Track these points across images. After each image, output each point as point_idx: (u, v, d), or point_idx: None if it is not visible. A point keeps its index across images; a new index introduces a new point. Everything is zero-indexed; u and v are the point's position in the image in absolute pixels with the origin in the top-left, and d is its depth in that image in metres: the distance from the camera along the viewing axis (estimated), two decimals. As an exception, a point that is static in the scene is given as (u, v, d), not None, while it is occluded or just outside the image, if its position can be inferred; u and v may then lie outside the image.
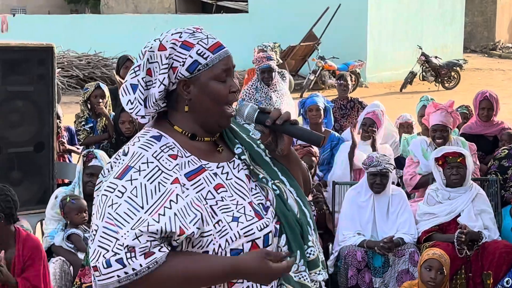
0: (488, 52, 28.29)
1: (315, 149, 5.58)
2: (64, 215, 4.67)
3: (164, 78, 2.00)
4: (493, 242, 4.98)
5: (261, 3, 20.36)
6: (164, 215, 1.85)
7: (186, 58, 2.00)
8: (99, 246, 1.83)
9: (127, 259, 1.80)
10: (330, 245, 5.30)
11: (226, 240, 1.93)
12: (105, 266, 1.81)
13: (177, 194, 1.90)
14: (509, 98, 15.41)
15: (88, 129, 6.38)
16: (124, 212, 1.85)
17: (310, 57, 18.10)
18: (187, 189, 1.94)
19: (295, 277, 2.02)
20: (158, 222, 1.84)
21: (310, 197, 5.29)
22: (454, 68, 18.31)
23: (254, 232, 1.97)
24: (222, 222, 1.93)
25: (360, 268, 4.94)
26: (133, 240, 1.81)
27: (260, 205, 2.03)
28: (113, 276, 1.81)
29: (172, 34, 2.03)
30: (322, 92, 13.59)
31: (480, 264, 4.90)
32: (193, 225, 1.88)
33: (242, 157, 2.08)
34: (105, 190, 1.91)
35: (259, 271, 1.82)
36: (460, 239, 4.83)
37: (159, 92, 2.01)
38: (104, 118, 6.30)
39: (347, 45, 18.23)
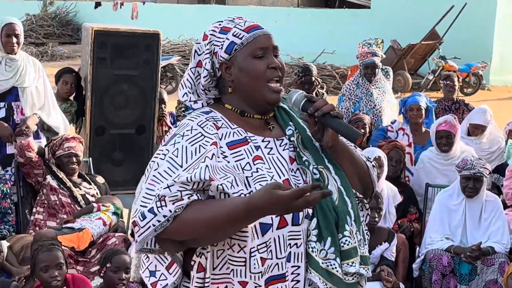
0: None
1: (401, 143, 5.47)
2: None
3: (207, 63, 2.09)
4: None
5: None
6: (197, 168, 1.92)
7: (224, 41, 2.08)
8: (140, 205, 1.91)
9: (157, 208, 1.87)
10: (417, 247, 5.17)
11: None
12: (141, 218, 1.88)
13: (213, 153, 1.96)
14: None
15: (187, 115, 6.54)
16: (164, 171, 1.94)
17: (431, 57, 17.62)
18: (226, 156, 2.00)
19: (322, 263, 1.98)
20: (191, 173, 1.91)
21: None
22: None
23: None
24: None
25: (446, 273, 4.79)
26: (164, 189, 1.89)
27: (297, 186, 2.03)
28: (149, 227, 1.87)
29: (214, 24, 2.13)
30: (440, 92, 13.20)
31: None
32: (223, 180, 1.93)
33: (292, 138, 2.10)
34: (153, 157, 2.02)
35: (270, 201, 1.78)
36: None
37: (204, 77, 2.10)
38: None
39: (471, 45, 17.57)
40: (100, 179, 5.35)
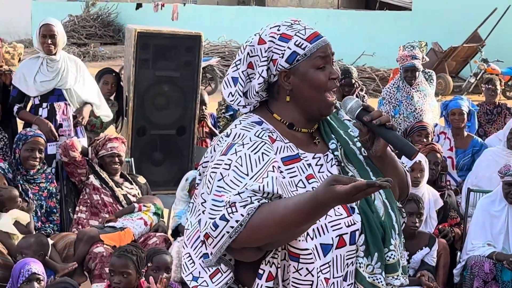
0: None
1: (437, 145, 5.41)
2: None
3: (263, 70, 2.07)
4: None
5: (425, 1, 19.82)
6: (267, 177, 1.91)
7: (285, 50, 2.06)
8: (209, 217, 1.91)
9: (228, 214, 1.86)
10: (458, 253, 5.11)
11: (313, 231, 1.95)
12: (214, 228, 1.88)
13: (273, 166, 1.96)
14: None
15: (228, 116, 6.58)
16: (231, 180, 1.93)
17: (472, 59, 17.40)
18: (282, 172, 2.00)
19: (368, 278, 2.01)
20: (261, 182, 1.90)
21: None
22: None
23: (342, 227, 1.98)
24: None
25: (487, 280, 4.72)
26: (234, 195, 1.88)
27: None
28: (223, 235, 1.87)
29: (270, 28, 2.10)
30: (482, 96, 13.03)
31: None
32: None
33: (335, 153, 2.11)
34: (212, 168, 1.99)
35: (331, 197, 1.76)
36: None
37: (259, 84, 2.08)
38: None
39: (515, 48, 17.32)
40: (141, 179, 5.41)
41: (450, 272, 4.99)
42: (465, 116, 6.25)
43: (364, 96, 7.41)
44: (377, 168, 2.13)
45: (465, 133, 6.31)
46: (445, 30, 17.83)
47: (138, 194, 5.22)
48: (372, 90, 16.12)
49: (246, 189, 1.89)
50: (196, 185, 2.18)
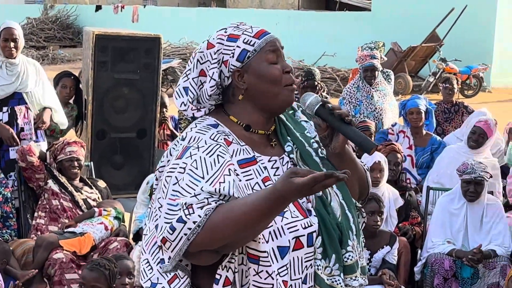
0: None
1: (397, 145, 5.47)
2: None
3: (214, 73, 2.06)
4: None
5: (385, 2, 20.05)
6: (224, 182, 1.90)
7: (234, 49, 2.05)
8: (165, 222, 1.89)
9: (185, 215, 1.84)
10: (419, 251, 5.17)
11: (270, 233, 1.95)
12: (171, 231, 1.86)
13: (229, 169, 1.95)
14: None
15: (190, 118, 6.53)
16: (186, 184, 1.91)
17: (431, 59, 17.64)
18: (238, 174, 1.99)
19: (327, 280, 2.00)
20: (218, 186, 1.89)
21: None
22: None
23: (298, 229, 1.97)
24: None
25: (447, 277, 4.79)
26: (191, 197, 1.87)
27: (303, 203, 2.03)
28: (181, 238, 1.85)
29: (217, 32, 2.10)
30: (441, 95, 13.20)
31: None
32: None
33: (291, 156, 2.10)
34: (168, 172, 1.98)
35: (290, 190, 1.78)
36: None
37: (211, 87, 2.06)
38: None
39: (472, 47, 17.61)
40: (101, 183, 5.34)
41: (411, 270, 5.04)
42: (423, 115, 6.32)
43: (326, 97, 7.45)
44: (335, 168, 2.12)
45: (424, 132, 6.39)
46: (404, 30, 18.05)
47: (98, 198, 5.16)
48: (334, 90, 16.23)
49: (202, 191, 1.88)
50: (154, 190, 2.16)
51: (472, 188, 4.94)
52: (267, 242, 1.94)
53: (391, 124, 6.62)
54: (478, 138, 5.77)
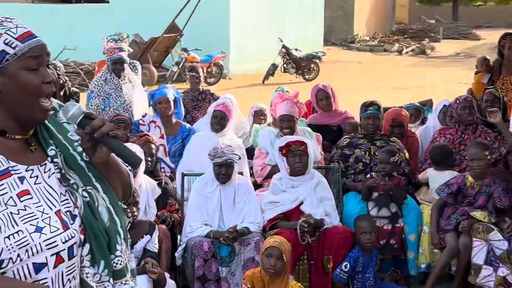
0: (347, 45, 29.35)
1: (151, 136, 5.57)
2: None
3: None
4: (333, 228, 5.17)
5: (122, -6, 20.02)
6: None
7: None
8: None
9: None
10: (179, 236, 5.30)
11: (27, 251, 1.84)
12: None
13: None
14: (363, 90, 16.09)
15: None
16: None
17: (173, 49, 18.02)
18: None
19: (96, 287, 1.98)
20: None
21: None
22: (314, 60, 18.86)
23: (58, 245, 1.90)
24: (23, 233, 1.84)
25: (207, 258, 4.96)
26: None
27: (68, 213, 1.96)
28: None
29: None
30: (186, 84, 13.56)
31: (321, 250, 5.06)
32: None
33: (55, 160, 1.99)
34: None
35: None
36: (303, 228, 4.97)
37: None
38: None
39: (210, 37, 18.30)
40: None
41: (173, 256, 5.15)
42: (172, 103, 6.47)
43: (78, 92, 7.29)
44: (100, 173, 2.06)
45: (174, 120, 6.53)
46: (145, 22, 18.20)
47: None
48: (78, 84, 15.86)
49: None
50: None
51: (224, 170, 5.19)
52: (21, 260, 1.84)
53: (141, 115, 6.67)
54: (220, 121, 6.08)
